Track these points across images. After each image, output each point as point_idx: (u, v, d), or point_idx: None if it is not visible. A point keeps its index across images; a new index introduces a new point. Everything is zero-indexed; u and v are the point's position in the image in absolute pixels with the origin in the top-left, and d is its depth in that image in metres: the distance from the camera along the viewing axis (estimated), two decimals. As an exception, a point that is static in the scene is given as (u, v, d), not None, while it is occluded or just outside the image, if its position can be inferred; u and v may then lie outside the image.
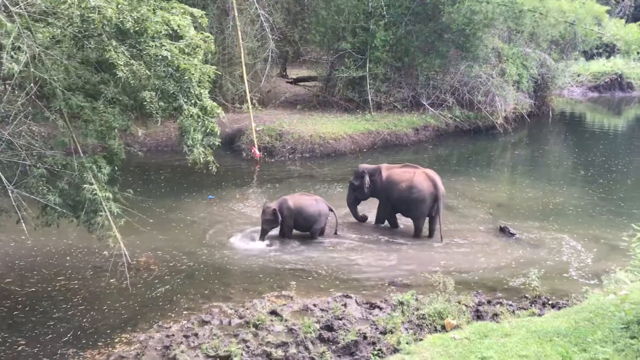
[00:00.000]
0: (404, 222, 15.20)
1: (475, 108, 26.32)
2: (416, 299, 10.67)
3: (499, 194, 18.15)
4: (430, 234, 14.45)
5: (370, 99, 25.45)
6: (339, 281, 12.08)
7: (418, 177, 14.36)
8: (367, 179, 14.95)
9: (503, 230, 14.67)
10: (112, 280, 11.83)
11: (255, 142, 21.47)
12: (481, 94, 26.03)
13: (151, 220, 14.67)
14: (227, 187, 18.25)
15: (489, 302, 10.85)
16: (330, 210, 14.29)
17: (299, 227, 14.17)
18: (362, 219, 15.27)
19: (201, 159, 10.44)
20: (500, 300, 10.93)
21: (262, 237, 13.95)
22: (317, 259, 13.17)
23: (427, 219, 14.54)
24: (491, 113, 26.10)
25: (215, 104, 10.62)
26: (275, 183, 18.78)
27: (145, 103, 9.85)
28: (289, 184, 18.74)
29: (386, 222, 15.23)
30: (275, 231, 14.39)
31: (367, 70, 25.34)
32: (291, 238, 14.15)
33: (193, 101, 10.22)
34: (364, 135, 23.70)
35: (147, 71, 9.65)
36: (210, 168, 10.83)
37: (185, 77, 10.01)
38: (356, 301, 10.90)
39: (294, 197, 14.25)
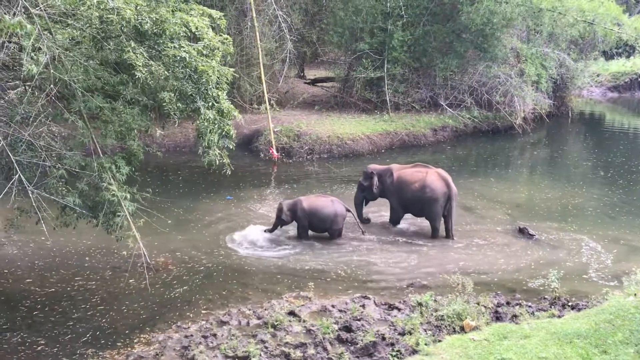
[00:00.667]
0: (419, 222, 15.17)
1: (494, 108, 26.20)
2: (435, 300, 10.64)
3: (517, 194, 18.08)
4: (447, 235, 14.42)
5: (388, 99, 25.41)
6: (357, 282, 12.09)
7: (431, 176, 14.39)
8: (375, 179, 14.98)
9: (522, 231, 14.60)
10: (131, 280, 11.88)
11: (273, 142, 21.50)
12: (500, 95, 25.90)
13: (169, 221, 14.73)
14: (245, 187, 18.29)
15: (508, 303, 10.82)
16: (348, 211, 14.28)
17: (315, 229, 14.20)
18: (366, 221, 15.25)
19: (217, 161, 10.47)
20: (520, 301, 10.89)
21: (271, 230, 14.19)
22: (335, 259, 13.18)
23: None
24: (510, 113, 25.98)
25: (232, 106, 10.63)
26: (292, 184, 18.81)
27: (164, 104, 9.90)
28: (307, 184, 18.75)
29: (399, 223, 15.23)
30: (294, 231, 14.44)
31: (385, 70, 25.30)
32: (307, 239, 14.16)
33: (210, 103, 10.24)
34: (381, 135, 23.68)
35: (165, 72, 9.69)
36: (225, 171, 10.84)
37: (203, 79, 10.02)
38: (375, 302, 10.90)
39: (309, 199, 14.28)
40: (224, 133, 10.53)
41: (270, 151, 21.32)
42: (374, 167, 15.36)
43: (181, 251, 13.42)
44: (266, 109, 22.03)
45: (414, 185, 14.42)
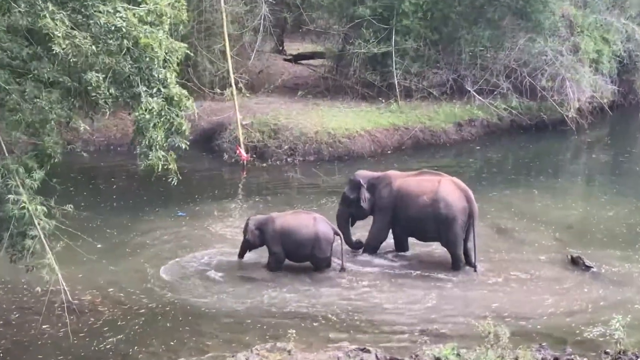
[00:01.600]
0: (435, 248, 15.18)
1: (539, 97, 26.26)
2: (458, 355, 10.60)
3: (569, 212, 18.12)
4: (468, 264, 14.45)
5: (396, 83, 25.41)
6: (354, 329, 12.09)
7: (445, 187, 14.42)
8: (365, 191, 14.96)
9: (575, 261, 14.65)
10: (45, 326, 11.79)
11: (242, 140, 21.50)
12: (547, 78, 25.92)
13: (99, 245, 14.66)
14: (202, 200, 18.30)
15: (556, 359, 10.81)
16: (336, 234, 14.28)
17: (292, 256, 14.18)
18: (357, 246, 15.25)
19: (159, 166, 10.39)
20: (573, 356, 10.88)
21: (239, 255, 14.33)
22: (325, 299, 13.19)
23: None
24: (560, 103, 25.99)
25: (185, 92, 10.59)
26: (266, 195, 18.84)
27: (92, 88, 9.85)
28: (286, 196, 18.80)
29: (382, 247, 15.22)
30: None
31: (393, 44, 25.32)
32: (278, 270, 14.14)
33: (155, 88, 10.20)
34: (388, 132, 23.78)
35: (93, 46, 9.63)
36: (169, 180, 10.76)
37: (146, 56, 9.99)
38: (377, 356, 10.85)
39: (285, 216, 14.28)
40: (173, 128, 10.49)
41: (238, 151, 21.31)
42: (364, 174, 15.37)
43: (114, 286, 13.36)
44: (232, 94, 22.05)
45: (423, 199, 14.41)
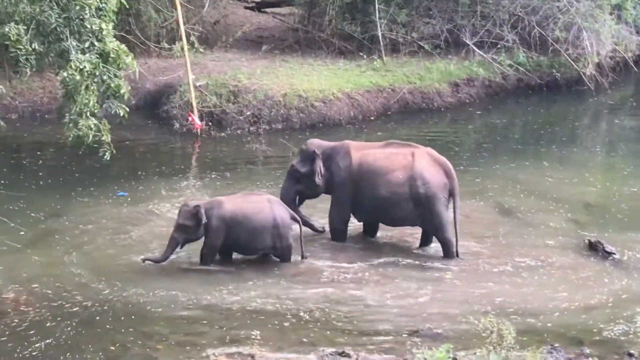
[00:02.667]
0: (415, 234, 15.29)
1: (550, 50, 26.45)
2: (454, 358, 10.62)
3: (586, 188, 18.25)
4: (453, 250, 14.55)
5: (380, 35, 25.47)
6: (331, 330, 12.08)
7: (421, 161, 14.42)
8: (320, 164, 14.87)
9: (594, 246, 14.75)
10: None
11: (195, 105, 21.50)
12: (560, 28, 26.02)
13: (22, 232, 14.56)
14: (147, 177, 18.31)
15: (571, 362, 10.89)
16: (294, 219, 14.22)
17: (241, 248, 14.17)
18: (315, 229, 15.40)
19: (89, 137, 10.32)
20: (590, 359, 10.92)
21: (167, 251, 13.85)
22: (298, 294, 13.18)
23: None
24: (576, 58, 26.13)
25: (123, 47, 10.56)
26: (225, 171, 18.83)
27: (9, 43, 9.79)
28: (248, 171, 18.89)
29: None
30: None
31: (376, -12, 25.36)
32: (210, 264, 14.07)
33: (88, 42, 10.15)
34: (370, 94, 23.87)
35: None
36: (101, 154, 10.70)
37: (76, 3, 9.93)
38: (357, 362, 10.92)
39: (234, 199, 14.18)
40: (109, 91, 10.45)
41: (190, 119, 21.35)
42: (318, 142, 15.32)
43: (41, 281, 13.30)
44: (183, 50, 21.99)
45: (394, 176, 14.36)
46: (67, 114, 10.38)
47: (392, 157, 14.54)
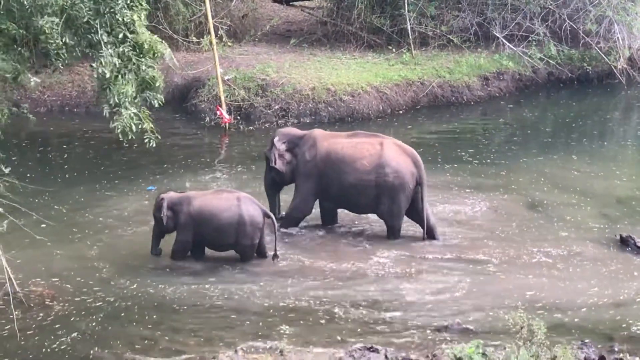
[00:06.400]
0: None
1: (582, 44, 26.28)
2: (484, 354, 10.51)
3: (616, 182, 18.13)
4: (431, 234, 14.79)
5: (409, 28, 25.34)
6: (357, 324, 12.05)
7: (389, 151, 14.62)
8: (275, 150, 15.06)
9: (625, 241, 14.62)
10: (-16, 323, 11.79)
11: (223, 99, 21.47)
12: (591, 21, 25.81)
13: (43, 225, 14.34)
14: (174, 171, 18.28)
15: (602, 358, 10.77)
16: (266, 216, 14.10)
17: (210, 244, 14.12)
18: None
19: (132, 127, 10.30)
20: (622, 356, 10.85)
21: (152, 242, 14.04)
22: (334, 290, 13.13)
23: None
24: (607, 52, 25.95)
25: (156, 37, 10.50)
26: (251, 164, 18.78)
27: (42, 36, 9.73)
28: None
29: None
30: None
31: (405, -19, 25.22)
32: (181, 259, 13.98)
33: (120, 35, 10.11)
34: (399, 87, 23.72)
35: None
36: (146, 141, 10.68)
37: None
38: (386, 356, 10.84)
39: (203, 196, 14.14)
40: (144, 82, 10.39)
41: (218, 113, 21.30)
42: (285, 131, 15.71)
43: (65, 275, 13.29)
44: (211, 43, 21.90)
45: (361, 164, 14.53)
46: (105, 107, 10.30)
47: (360, 146, 14.79)
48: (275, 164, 14.97)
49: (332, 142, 14.91)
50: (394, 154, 14.57)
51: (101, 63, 10.02)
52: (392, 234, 14.79)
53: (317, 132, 15.29)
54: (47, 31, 9.74)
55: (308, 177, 14.95)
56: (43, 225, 14.39)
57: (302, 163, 14.97)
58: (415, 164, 14.57)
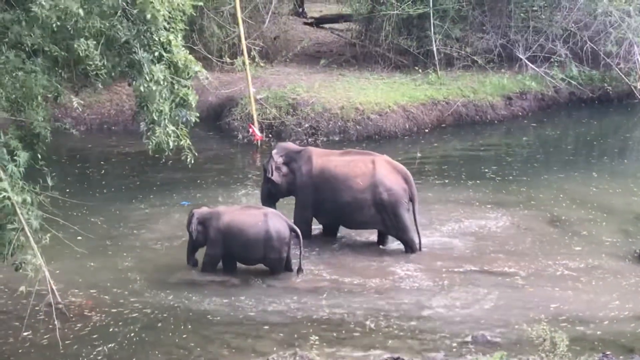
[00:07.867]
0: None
1: (602, 65, 26.16)
2: (508, 366, 10.66)
3: (635, 199, 18.03)
4: (415, 248, 14.89)
5: (435, 49, 25.43)
6: (385, 335, 12.08)
7: (381, 169, 14.76)
8: (272, 162, 15.13)
9: (644, 257, 14.67)
10: (26, 333, 11.84)
11: (255, 117, 21.55)
12: (611, 43, 25.80)
13: (79, 238, 14.09)
14: (207, 187, 18.39)
15: (623, 370, 10.83)
16: (293, 232, 14.17)
17: (241, 259, 14.21)
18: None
19: (170, 143, 10.39)
20: (643, 367, 10.89)
21: (189, 259, 14.20)
22: (363, 302, 13.16)
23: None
24: (627, 72, 25.90)
25: (191, 57, 10.61)
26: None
27: (81, 57, 9.83)
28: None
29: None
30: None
31: (431, 4, 25.31)
32: (212, 271, 14.10)
33: (157, 53, 10.18)
34: (425, 107, 23.77)
35: (79, 8, 9.55)
36: (184, 158, 10.80)
37: (146, 16, 9.98)
38: (412, 367, 10.90)
39: (232, 212, 14.26)
40: (179, 100, 10.49)
41: (251, 130, 21.38)
42: (284, 145, 15.89)
43: (102, 287, 13.41)
44: (244, 64, 21.99)
45: (355, 182, 14.68)
46: (142, 123, 10.39)
47: (353, 164, 14.92)
48: (272, 175, 15.10)
49: (326, 159, 15.06)
50: (386, 172, 14.74)
51: (143, 79, 10.02)
52: (409, 247, 14.84)
53: (313, 149, 15.58)
54: (82, 54, 9.73)
55: (305, 190, 15.10)
56: (79, 238, 14.28)
57: (299, 177, 15.10)
58: (406, 180, 14.78)
